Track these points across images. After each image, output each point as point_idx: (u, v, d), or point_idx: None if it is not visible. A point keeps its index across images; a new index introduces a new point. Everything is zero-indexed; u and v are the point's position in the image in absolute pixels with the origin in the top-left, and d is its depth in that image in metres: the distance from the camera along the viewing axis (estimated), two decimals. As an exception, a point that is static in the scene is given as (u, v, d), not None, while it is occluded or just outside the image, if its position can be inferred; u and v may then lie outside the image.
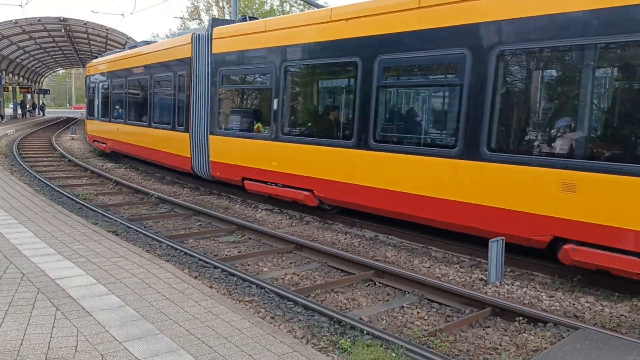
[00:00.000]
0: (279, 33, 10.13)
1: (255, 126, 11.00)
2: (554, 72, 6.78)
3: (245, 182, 11.00)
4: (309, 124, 10.24)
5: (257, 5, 40.35)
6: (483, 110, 6.85)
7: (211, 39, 11.86)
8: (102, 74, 19.99)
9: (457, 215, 7.23)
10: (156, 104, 14.96)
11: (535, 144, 6.57)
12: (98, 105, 20.29)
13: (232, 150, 11.35)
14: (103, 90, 19.74)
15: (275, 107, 10.16)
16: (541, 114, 6.81)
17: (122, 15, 54.48)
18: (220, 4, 44.18)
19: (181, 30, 44.60)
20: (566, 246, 6.20)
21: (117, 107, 18.19)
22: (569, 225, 6.10)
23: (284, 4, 39.52)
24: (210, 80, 11.89)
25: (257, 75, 11.19)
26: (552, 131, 6.51)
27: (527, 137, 6.75)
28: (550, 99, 6.75)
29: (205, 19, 44.45)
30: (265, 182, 10.48)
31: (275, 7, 39.71)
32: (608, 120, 6.20)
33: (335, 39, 8.94)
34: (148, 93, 15.33)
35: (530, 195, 6.41)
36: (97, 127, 20.31)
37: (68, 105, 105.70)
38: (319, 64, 9.61)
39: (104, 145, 19.71)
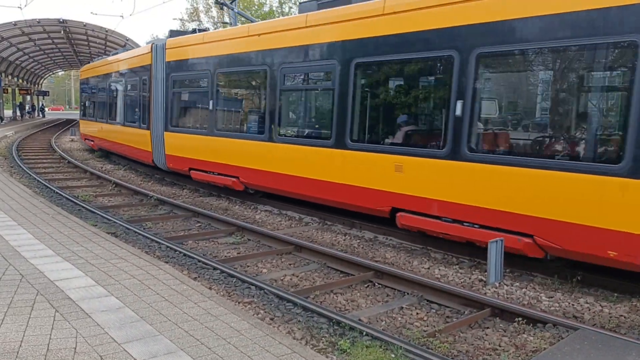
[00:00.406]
0: (213, 45, 12.10)
1: (198, 123, 12.94)
2: (388, 82, 8.72)
3: (192, 172, 12.97)
4: (233, 121, 12.27)
5: (256, 7, 40.40)
6: (346, 111, 8.79)
7: (165, 49, 13.82)
8: (90, 78, 22.31)
9: (332, 193, 9.09)
10: (127, 105, 16.95)
11: (379, 135, 8.77)
12: (87, 106, 23.09)
13: (182, 145, 13.29)
14: (91, 93, 22.18)
15: (210, 107, 12.11)
16: (382, 113, 8.81)
17: (122, 16, 54.61)
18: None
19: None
20: (398, 214, 7.97)
21: (100, 108, 20.56)
22: (400, 198, 7.97)
23: (283, 5, 39.58)
24: (165, 84, 13.88)
25: (198, 80, 13.16)
26: (389, 126, 8.70)
27: (372, 131, 8.88)
28: (389, 102, 8.57)
29: (205, 20, 44.53)
30: (206, 172, 12.42)
31: (274, 8, 39.76)
32: (416, 117, 8.53)
33: (250, 51, 10.94)
34: (122, 95, 17.43)
35: (376, 175, 8.31)
36: (87, 127, 22.83)
37: (67, 106, 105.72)
38: (240, 71, 11.58)
39: (92, 142, 22.06)
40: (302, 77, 10.31)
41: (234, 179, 11.45)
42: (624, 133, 5.72)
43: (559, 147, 6.51)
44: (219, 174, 12.00)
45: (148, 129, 14.68)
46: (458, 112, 7.12)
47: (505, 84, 7.75)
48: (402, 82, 8.55)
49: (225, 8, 41.98)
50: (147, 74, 14.65)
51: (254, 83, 11.56)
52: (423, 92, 8.26)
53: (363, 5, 8.55)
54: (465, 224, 7.15)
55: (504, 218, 6.70)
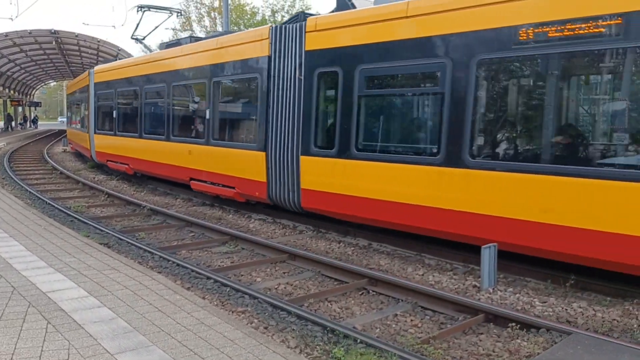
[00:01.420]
0: (134, 68, 15.78)
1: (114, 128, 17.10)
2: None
3: (109, 162, 17.65)
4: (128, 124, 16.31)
5: (249, 16, 40.55)
6: (207, 118, 11.88)
7: (93, 74, 19.03)
8: (72, 92, 27.46)
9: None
10: (82, 114, 22.23)
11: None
12: (70, 116, 29.14)
13: (100, 143, 18.44)
14: (71, 104, 27.91)
15: (140, 114, 15.33)
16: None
17: (114, 27, 54.65)
18: (212, 15, 44.38)
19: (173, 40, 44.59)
20: (191, 182, 12.37)
21: (74, 117, 26.42)
22: (194, 171, 12.28)
23: (276, 14, 39.74)
24: (93, 100, 18.88)
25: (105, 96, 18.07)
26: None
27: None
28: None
29: (197, 29, 44.61)
30: (120, 163, 16.66)
31: (267, 17, 39.91)
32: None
33: (156, 72, 14.26)
34: (81, 107, 22.78)
35: (181, 157, 12.79)
36: (70, 133, 28.13)
37: (59, 117, 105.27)
38: (153, 87, 14.72)
39: (71, 145, 27.06)
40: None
41: (125, 166, 15.19)
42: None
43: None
44: (120, 163, 16.22)
45: (87, 132, 19.76)
46: None
47: None
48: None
49: (217, 17, 42.13)
50: (86, 90, 19.92)
51: (160, 98, 14.61)
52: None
53: None
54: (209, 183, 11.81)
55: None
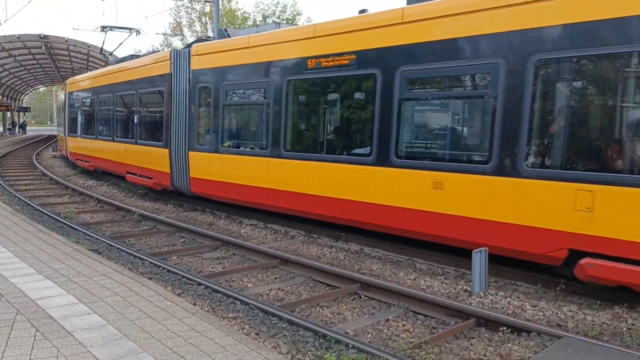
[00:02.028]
0: (92, 80, 18.98)
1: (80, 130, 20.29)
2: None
3: (77, 161, 20.59)
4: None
5: (240, 21, 40.54)
6: (135, 122, 14.78)
7: (67, 85, 22.67)
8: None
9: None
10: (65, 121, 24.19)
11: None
12: (58, 121, 34.22)
13: (71, 145, 21.59)
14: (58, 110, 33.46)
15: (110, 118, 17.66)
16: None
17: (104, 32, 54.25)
18: (203, 20, 44.34)
19: (163, 46, 44.77)
20: (127, 175, 15.29)
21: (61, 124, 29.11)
22: (130, 166, 15.07)
23: (267, 19, 39.76)
24: (67, 107, 22.42)
25: (75, 104, 21.17)
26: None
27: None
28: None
29: (188, 34, 44.54)
30: (84, 161, 19.65)
31: (258, 22, 39.91)
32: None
33: (105, 84, 17.23)
34: (61, 112, 26.51)
35: (121, 154, 15.61)
36: (58, 137, 31.00)
37: (49, 122, 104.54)
38: (104, 97, 17.44)
39: (59, 148, 29.27)
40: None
41: (88, 163, 17.46)
42: None
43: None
44: (85, 161, 19.50)
45: (63, 134, 23.93)
46: None
47: None
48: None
49: (208, 22, 42.11)
50: (63, 101, 24.51)
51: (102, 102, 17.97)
52: None
53: None
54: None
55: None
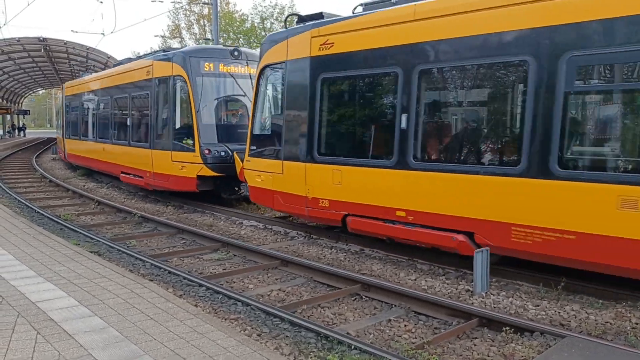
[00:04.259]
0: (83, 85, 20.35)
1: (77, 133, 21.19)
2: None
3: (74, 162, 21.73)
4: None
5: (238, 23, 40.51)
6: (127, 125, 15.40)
7: (64, 88, 24.13)
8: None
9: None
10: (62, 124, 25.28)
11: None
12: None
13: (69, 147, 22.28)
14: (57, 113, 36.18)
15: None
16: None
17: (103, 34, 54.40)
18: (202, 22, 44.35)
19: (163, 47, 44.70)
20: (121, 175, 15.60)
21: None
22: (124, 167, 15.51)
23: (265, 22, 39.75)
24: (64, 109, 23.63)
25: (73, 107, 22.12)
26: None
27: None
28: None
29: (187, 37, 44.57)
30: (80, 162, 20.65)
31: (256, 25, 39.89)
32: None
33: (100, 88, 18.29)
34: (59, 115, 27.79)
35: (116, 156, 16.27)
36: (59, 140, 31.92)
37: (48, 125, 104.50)
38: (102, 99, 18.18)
39: (59, 150, 30.15)
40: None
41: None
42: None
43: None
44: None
45: (61, 136, 24.79)
46: None
47: None
48: None
49: (207, 24, 42.10)
50: (61, 104, 25.85)
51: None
52: None
53: None
54: None
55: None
